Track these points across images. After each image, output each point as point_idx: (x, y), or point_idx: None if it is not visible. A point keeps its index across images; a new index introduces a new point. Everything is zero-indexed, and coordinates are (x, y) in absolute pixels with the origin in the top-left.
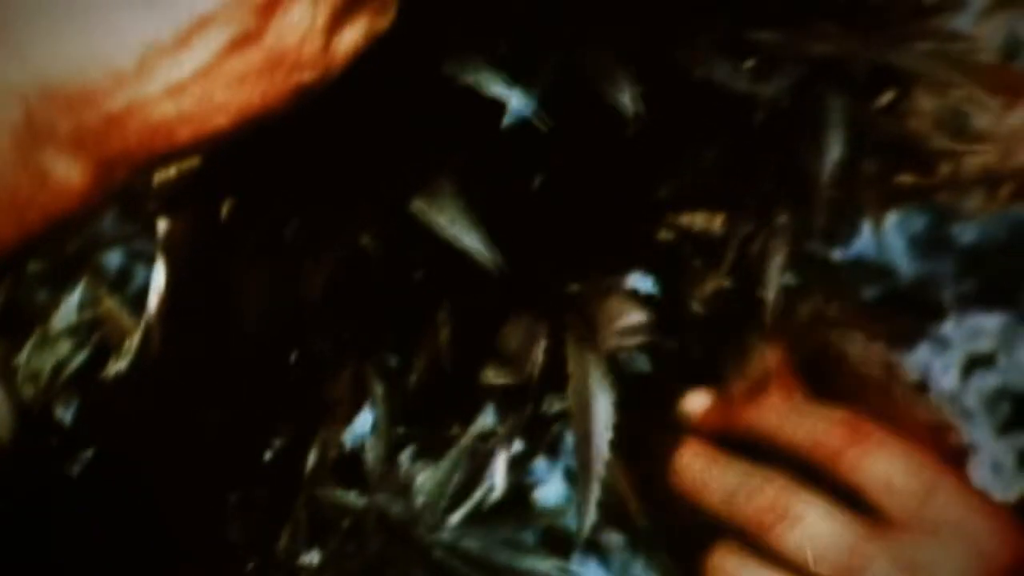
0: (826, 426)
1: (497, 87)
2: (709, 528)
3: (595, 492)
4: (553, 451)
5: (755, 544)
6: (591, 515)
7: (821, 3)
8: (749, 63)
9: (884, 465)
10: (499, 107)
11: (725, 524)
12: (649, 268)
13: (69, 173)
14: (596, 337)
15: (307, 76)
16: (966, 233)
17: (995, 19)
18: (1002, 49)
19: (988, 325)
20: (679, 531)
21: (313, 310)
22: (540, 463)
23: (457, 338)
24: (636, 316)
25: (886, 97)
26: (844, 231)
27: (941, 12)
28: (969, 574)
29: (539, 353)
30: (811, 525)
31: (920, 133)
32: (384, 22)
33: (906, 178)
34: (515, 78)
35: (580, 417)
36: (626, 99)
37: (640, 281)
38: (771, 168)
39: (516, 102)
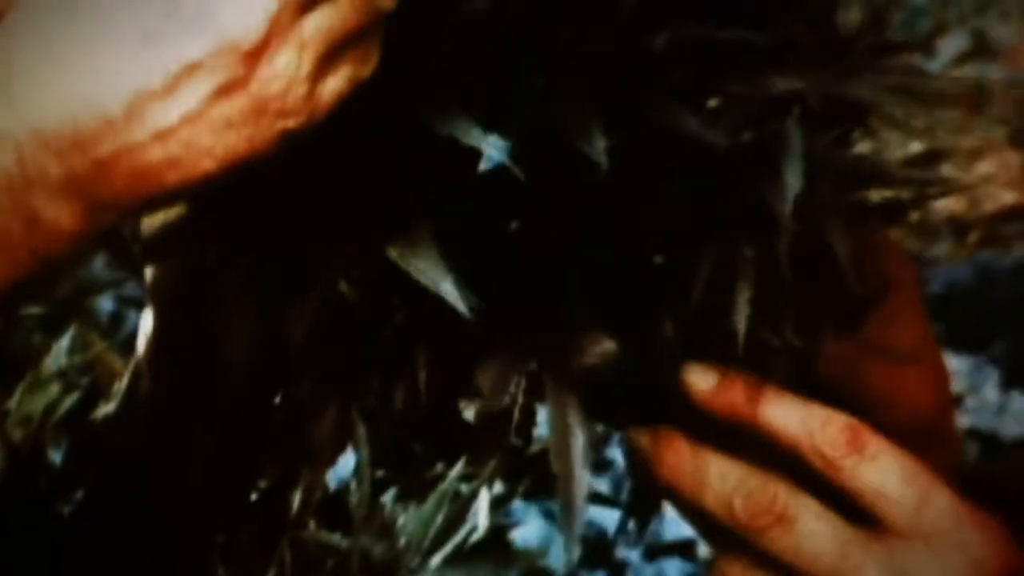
0: (824, 429)
1: (472, 135)
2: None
3: (579, 529)
4: (532, 492)
5: (748, 544)
6: (576, 551)
7: (790, 40)
8: (712, 102)
9: (880, 472)
10: (475, 155)
11: (719, 523)
12: (620, 303)
13: (59, 216)
14: (571, 374)
15: (292, 122)
16: (935, 278)
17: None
18: (971, 96)
19: (957, 367)
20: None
21: (296, 353)
22: (519, 504)
23: (435, 380)
24: (608, 345)
25: (846, 130)
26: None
27: (909, 51)
28: None
29: (517, 393)
30: (805, 528)
31: (891, 173)
32: (366, 70)
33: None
34: (490, 127)
35: (561, 457)
36: (596, 148)
37: (611, 314)
38: (736, 202)
39: (491, 150)
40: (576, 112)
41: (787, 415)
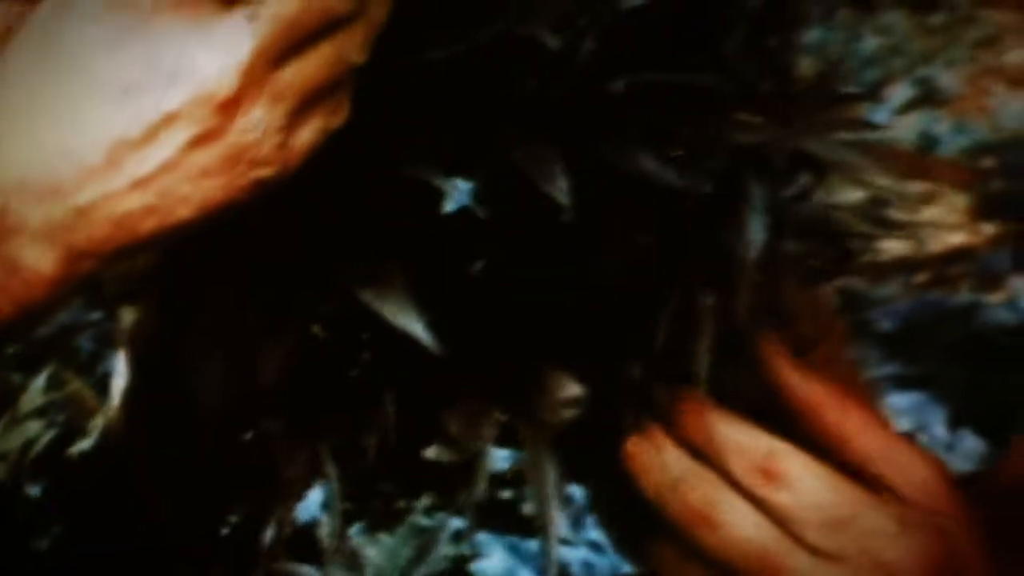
0: (743, 455)
1: (440, 179)
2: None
3: (554, 570)
4: (499, 526)
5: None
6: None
7: (745, 93)
8: (675, 153)
9: (796, 497)
10: (442, 199)
11: (659, 515)
12: (585, 346)
13: (39, 263)
14: (542, 420)
15: (266, 172)
16: (885, 318)
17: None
18: (918, 143)
19: (906, 405)
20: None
21: (267, 393)
22: (482, 536)
23: (404, 419)
24: (574, 389)
25: (805, 184)
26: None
27: (858, 101)
28: None
29: (487, 431)
30: (730, 530)
31: (840, 220)
32: (338, 121)
33: (826, 262)
34: (457, 171)
35: (538, 500)
36: (559, 191)
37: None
38: (697, 252)
39: (457, 193)
40: (540, 154)
41: (721, 441)
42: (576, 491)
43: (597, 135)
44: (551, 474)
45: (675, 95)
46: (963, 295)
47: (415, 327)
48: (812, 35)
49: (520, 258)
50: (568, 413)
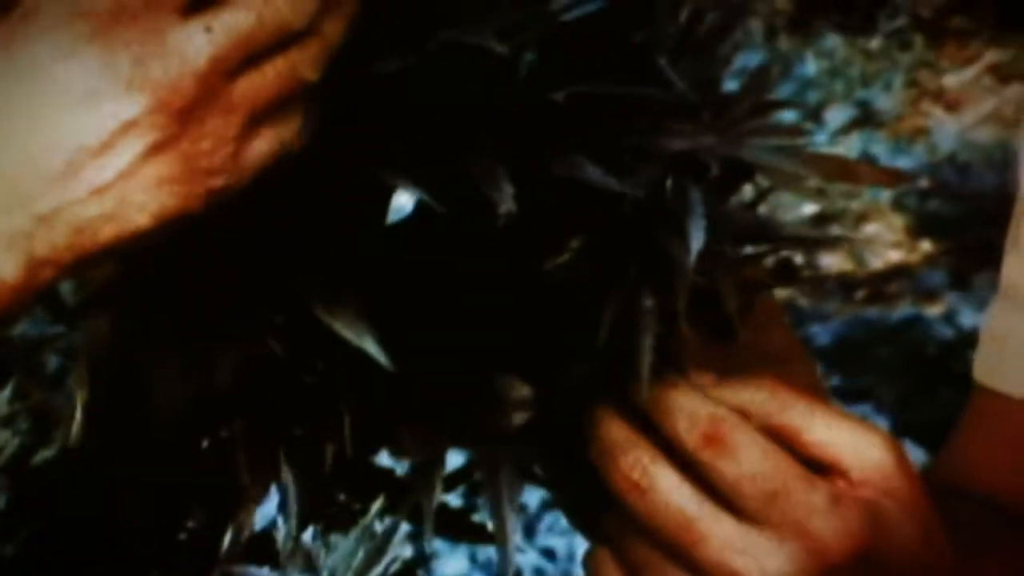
0: (689, 421)
1: (389, 186)
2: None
3: (512, 562)
4: (452, 531)
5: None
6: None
7: (679, 103)
8: (615, 160)
9: (736, 465)
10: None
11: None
12: (532, 349)
13: (1, 272)
14: (492, 417)
15: (219, 182)
16: (825, 333)
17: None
18: (858, 163)
19: None
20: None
21: (224, 400)
22: (438, 542)
23: (360, 426)
24: (523, 391)
25: (748, 197)
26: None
27: (782, 107)
28: (796, 573)
29: (441, 437)
30: (656, 495)
31: (781, 231)
32: (291, 134)
33: (766, 273)
34: (405, 180)
35: (494, 507)
36: (503, 197)
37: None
38: (637, 256)
39: (405, 201)
40: (484, 161)
41: (670, 405)
42: (529, 498)
43: (540, 143)
44: (506, 478)
45: (613, 105)
46: (901, 310)
47: (367, 343)
48: (752, 58)
49: (466, 264)
50: (519, 416)
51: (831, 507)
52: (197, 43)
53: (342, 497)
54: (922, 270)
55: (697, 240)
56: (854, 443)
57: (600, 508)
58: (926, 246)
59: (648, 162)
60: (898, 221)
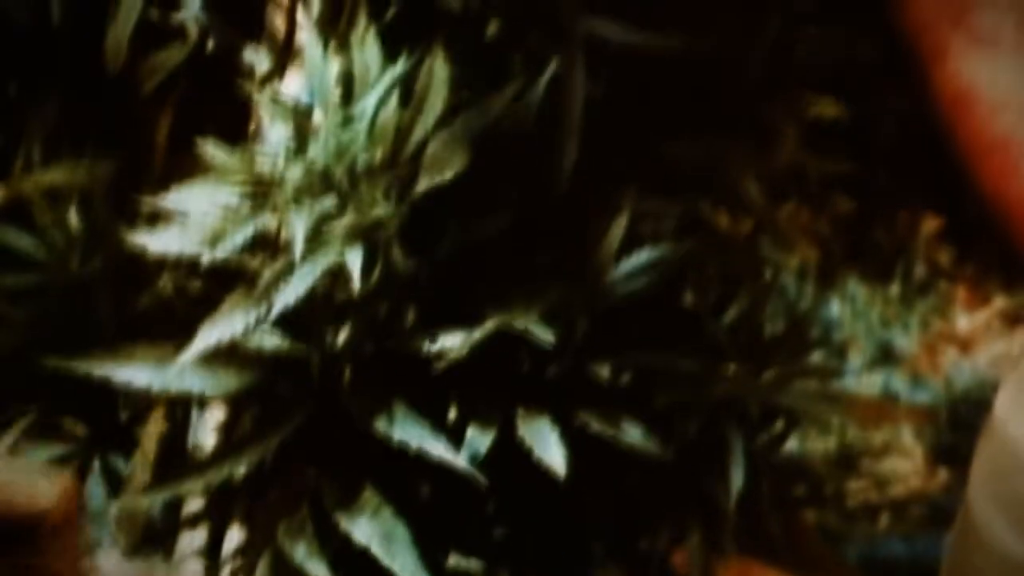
0: None
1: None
2: None
3: None
4: None
5: None
6: None
7: (723, 341)
8: (659, 403)
9: None
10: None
11: None
12: None
13: None
14: None
15: None
16: (851, 558)
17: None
18: (880, 397)
19: None
20: None
21: None
22: None
23: None
24: None
25: (779, 431)
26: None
27: (814, 349)
28: None
29: None
30: None
31: (811, 466)
32: None
33: (799, 502)
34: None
35: None
36: (555, 460)
37: None
38: (684, 494)
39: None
40: (537, 427)
41: None
42: None
43: (588, 411)
44: None
45: (659, 368)
46: (921, 534)
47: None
48: (780, 304)
49: (521, 520)
50: None
51: None
52: None
53: None
54: (939, 496)
55: (737, 483)
56: None
57: None
58: (943, 474)
59: (690, 414)
60: (917, 452)
